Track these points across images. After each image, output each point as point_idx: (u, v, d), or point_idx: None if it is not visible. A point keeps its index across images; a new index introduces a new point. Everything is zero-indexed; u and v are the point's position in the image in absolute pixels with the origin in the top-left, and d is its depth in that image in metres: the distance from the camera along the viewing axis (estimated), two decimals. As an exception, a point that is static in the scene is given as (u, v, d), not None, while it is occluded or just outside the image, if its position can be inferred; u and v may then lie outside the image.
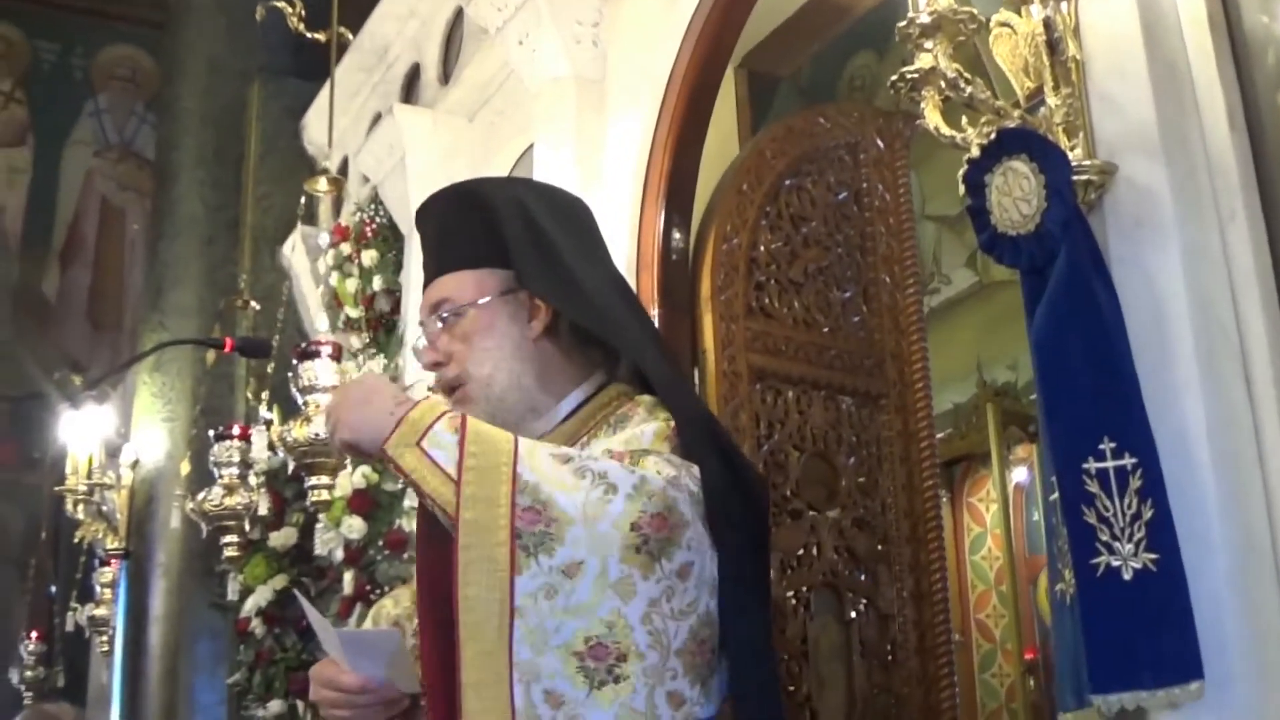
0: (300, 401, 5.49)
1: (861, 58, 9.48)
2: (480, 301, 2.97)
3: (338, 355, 5.53)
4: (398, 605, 3.22)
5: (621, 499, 2.51)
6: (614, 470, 2.56)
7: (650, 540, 2.52)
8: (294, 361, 5.49)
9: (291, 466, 5.90)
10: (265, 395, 7.02)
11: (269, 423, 6.44)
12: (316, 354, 5.44)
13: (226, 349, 4.56)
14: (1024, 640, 8.87)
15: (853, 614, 5.11)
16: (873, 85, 9.38)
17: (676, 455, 2.71)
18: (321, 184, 7.17)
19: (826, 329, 5.32)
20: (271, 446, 6.34)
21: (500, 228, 2.97)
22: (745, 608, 2.67)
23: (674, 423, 2.80)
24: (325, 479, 5.59)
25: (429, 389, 3.16)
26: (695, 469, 2.67)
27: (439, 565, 2.57)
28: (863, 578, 5.16)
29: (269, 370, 7.29)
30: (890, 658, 5.16)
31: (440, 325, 3.00)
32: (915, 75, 3.09)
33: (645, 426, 2.79)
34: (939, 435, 5.69)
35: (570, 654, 2.46)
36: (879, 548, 5.22)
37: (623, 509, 2.51)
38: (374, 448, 2.59)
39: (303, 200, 7.79)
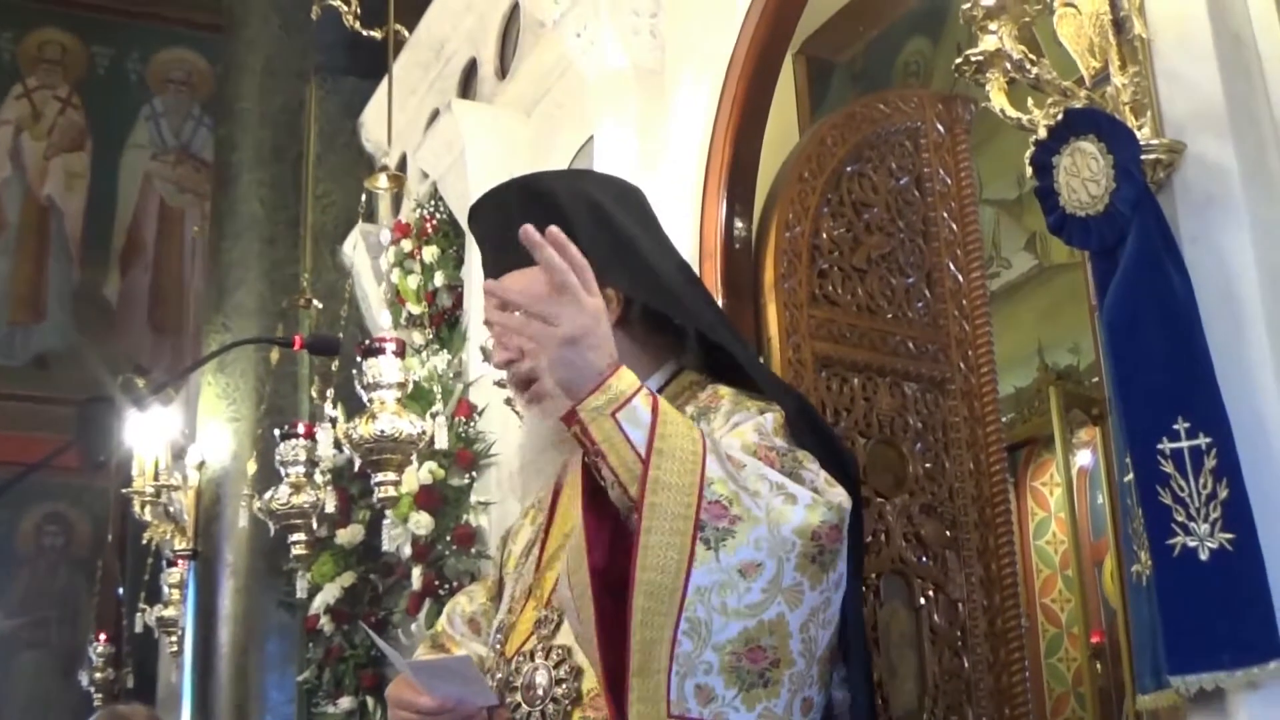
0: (365, 399, 5.52)
1: (915, 43, 9.47)
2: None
3: (401, 352, 5.55)
4: (473, 602, 3.23)
5: (803, 508, 2.51)
6: (790, 482, 2.56)
7: (825, 551, 2.53)
8: (358, 359, 5.51)
9: (358, 464, 5.93)
10: (330, 393, 7.04)
11: (334, 420, 6.46)
12: (381, 351, 5.46)
13: (296, 347, 4.59)
14: (1090, 624, 8.84)
15: (922, 600, 5.09)
16: (927, 71, 9.37)
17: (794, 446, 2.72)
18: (382, 181, 7.18)
19: (890, 315, 5.31)
20: (337, 444, 6.37)
21: (568, 221, 2.95)
22: (853, 599, 2.69)
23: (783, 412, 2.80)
24: (392, 475, 5.60)
25: (495, 383, 3.15)
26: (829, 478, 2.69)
27: (601, 538, 2.54)
28: (931, 564, 5.14)
29: (333, 368, 7.33)
30: (960, 643, 5.14)
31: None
32: (980, 58, 3.09)
33: (766, 418, 2.77)
34: (1002, 419, 5.66)
35: (728, 653, 2.45)
36: (947, 533, 5.20)
37: (804, 517, 2.51)
38: (570, 396, 2.54)
39: (363, 198, 7.83)
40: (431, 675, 2.83)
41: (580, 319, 2.51)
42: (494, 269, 3.07)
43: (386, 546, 6.78)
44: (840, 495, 2.59)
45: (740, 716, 2.47)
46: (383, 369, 5.42)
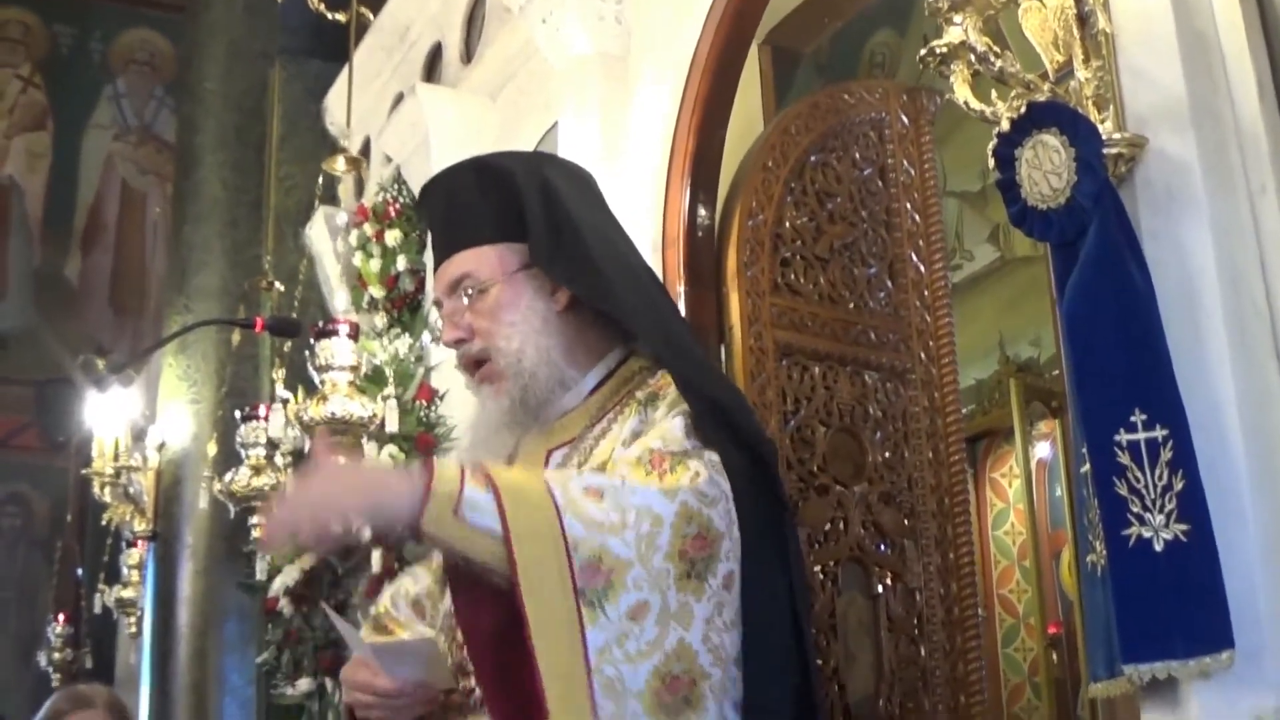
0: (317, 380, 5.52)
1: (881, 35, 9.49)
2: (505, 276, 2.96)
3: (355, 334, 5.55)
4: (417, 584, 3.21)
5: (667, 529, 2.53)
6: (654, 499, 2.55)
7: (696, 563, 2.55)
8: (311, 340, 5.51)
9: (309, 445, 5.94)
10: (281, 374, 7.03)
11: (286, 401, 6.45)
12: (334, 332, 5.47)
13: (257, 329, 4.59)
14: (1047, 615, 8.88)
15: (880, 588, 5.11)
16: (893, 62, 9.39)
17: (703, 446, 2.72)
18: (339, 164, 7.19)
19: (852, 305, 5.32)
20: (290, 425, 6.36)
21: (521, 203, 2.96)
22: (762, 590, 2.68)
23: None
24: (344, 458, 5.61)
25: (456, 368, 3.15)
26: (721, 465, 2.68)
27: (488, 621, 2.54)
28: (890, 552, 5.17)
29: (285, 349, 7.31)
30: (917, 631, 5.17)
31: (465, 302, 2.99)
32: (945, 49, 3.10)
33: (676, 420, 2.77)
34: (962, 410, 5.68)
35: (649, 694, 2.48)
36: (906, 522, 5.23)
37: (670, 540, 2.53)
38: (398, 522, 2.50)
39: (320, 180, 7.81)
40: (391, 657, 2.82)
41: (344, 480, 2.54)
42: (444, 249, 3.07)
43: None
44: (697, 502, 2.58)
45: None
46: (335, 351, 5.43)
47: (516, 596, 2.43)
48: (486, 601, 2.52)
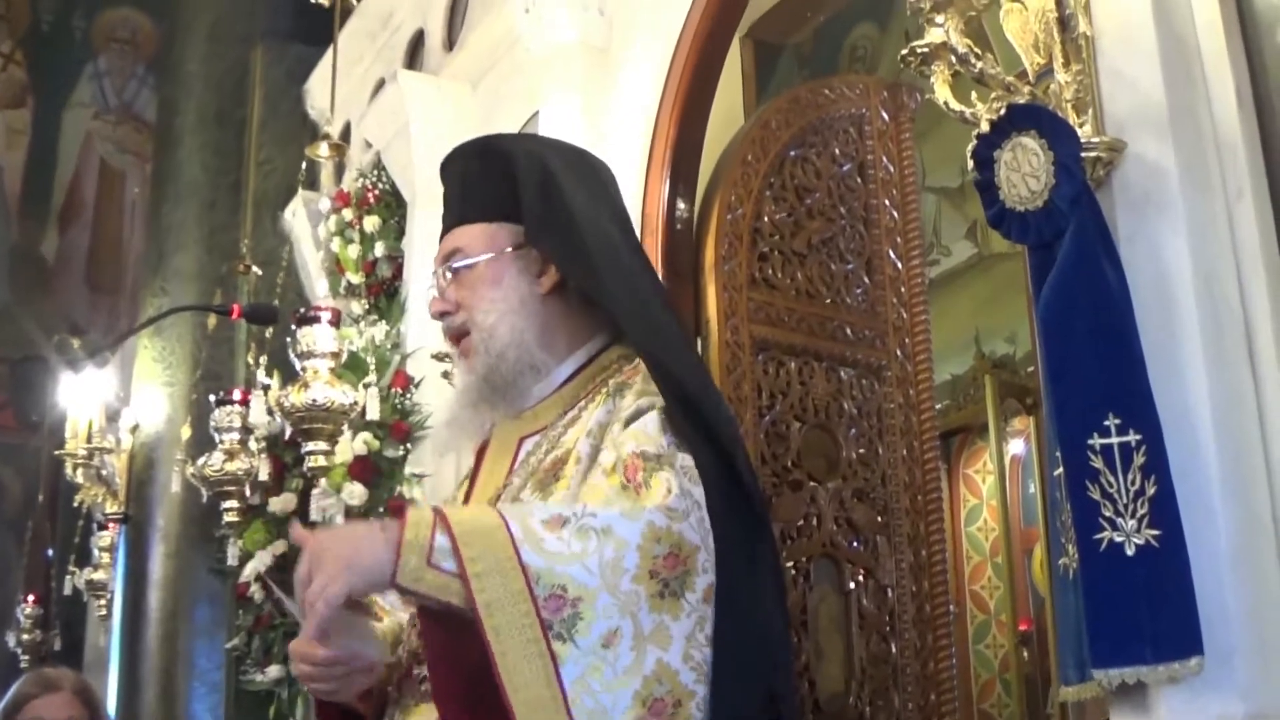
0: (299, 367, 5.50)
1: (863, 28, 9.51)
2: (491, 254, 2.97)
3: (336, 321, 5.54)
4: None
5: (633, 551, 2.48)
6: (616, 522, 2.50)
7: (669, 582, 2.50)
8: (293, 327, 5.50)
9: (289, 431, 5.91)
10: (263, 360, 7.02)
11: (267, 388, 6.44)
12: (316, 319, 5.45)
13: (234, 315, 4.56)
14: (1018, 612, 8.90)
15: (852, 585, 5.12)
16: (874, 56, 9.40)
17: (677, 446, 2.69)
18: (323, 149, 7.17)
19: (829, 300, 5.33)
20: (270, 411, 6.35)
21: (516, 183, 2.97)
22: (731, 595, 2.62)
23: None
24: (323, 444, 5.59)
25: (432, 356, 3.15)
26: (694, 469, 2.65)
27: (461, 659, 2.50)
28: (862, 549, 5.17)
29: (267, 335, 7.30)
30: (889, 628, 5.18)
31: (451, 276, 3.01)
32: (926, 50, 3.10)
33: (648, 418, 2.74)
34: (936, 407, 5.70)
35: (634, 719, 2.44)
36: (879, 519, 5.24)
37: (638, 562, 2.47)
38: (380, 585, 2.48)
39: (304, 165, 7.79)
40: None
41: (333, 549, 2.49)
42: (446, 222, 3.10)
43: (314, 516, 6.74)
44: (666, 519, 2.54)
45: None
46: (317, 338, 5.42)
47: (481, 636, 2.40)
48: (467, 636, 2.46)
